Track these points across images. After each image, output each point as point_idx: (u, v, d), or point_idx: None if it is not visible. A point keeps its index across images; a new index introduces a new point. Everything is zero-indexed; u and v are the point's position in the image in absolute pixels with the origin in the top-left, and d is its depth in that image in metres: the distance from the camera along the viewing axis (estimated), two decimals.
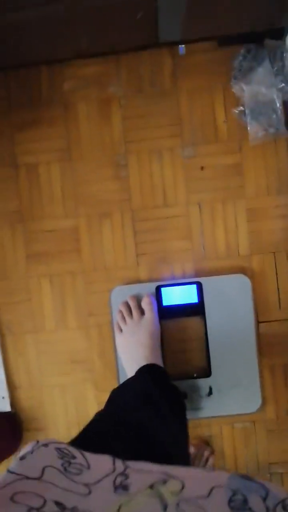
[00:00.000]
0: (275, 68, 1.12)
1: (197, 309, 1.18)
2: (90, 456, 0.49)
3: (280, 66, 1.12)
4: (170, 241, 1.21)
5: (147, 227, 1.21)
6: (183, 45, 1.15)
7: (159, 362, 1.11)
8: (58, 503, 0.38)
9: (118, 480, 0.44)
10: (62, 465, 0.45)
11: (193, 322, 1.19)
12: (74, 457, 0.47)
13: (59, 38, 1.03)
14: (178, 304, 1.19)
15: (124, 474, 0.45)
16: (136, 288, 1.20)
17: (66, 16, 0.92)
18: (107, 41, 1.10)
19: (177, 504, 0.38)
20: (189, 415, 1.01)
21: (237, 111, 1.18)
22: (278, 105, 1.14)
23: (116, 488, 0.43)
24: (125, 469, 0.46)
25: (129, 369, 1.13)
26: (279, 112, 1.15)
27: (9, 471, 0.42)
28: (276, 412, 1.22)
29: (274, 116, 1.15)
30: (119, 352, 1.18)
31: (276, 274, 1.21)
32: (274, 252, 1.20)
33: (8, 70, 1.21)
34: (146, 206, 1.21)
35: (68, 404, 1.24)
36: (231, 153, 1.20)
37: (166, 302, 1.19)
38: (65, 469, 0.44)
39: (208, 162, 1.20)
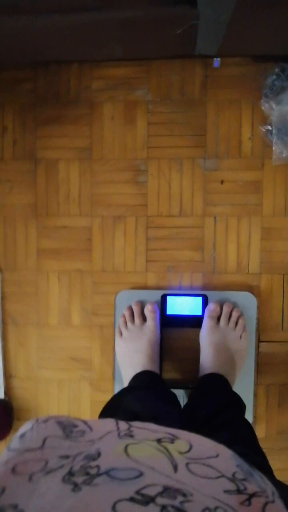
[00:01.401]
0: None
1: (199, 322, 1.18)
2: (92, 422, 0.48)
3: None
4: (181, 251, 1.21)
5: (160, 235, 1.21)
6: (218, 58, 1.13)
7: (156, 370, 1.12)
8: (61, 456, 0.38)
9: (122, 434, 0.44)
10: (63, 433, 0.44)
11: (194, 333, 1.19)
12: (75, 426, 0.46)
13: (94, 42, 1.02)
14: (182, 315, 1.20)
15: (128, 431, 0.45)
16: (142, 294, 1.21)
17: (103, 23, 0.90)
18: (142, 49, 1.08)
19: (187, 465, 0.38)
20: None
21: (264, 129, 1.16)
22: None
23: (120, 437, 0.43)
24: (129, 427, 0.46)
25: (125, 374, 1.14)
26: None
27: (10, 449, 0.41)
28: (266, 431, 1.23)
29: None
30: (118, 356, 1.19)
31: (283, 296, 1.20)
32: (283, 274, 1.20)
33: (38, 65, 1.20)
34: (161, 214, 1.21)
35: (62, 400, 1.26)
36: (253, 170, 1.19)
37: (170, 311, 1.19)
38: (66, 435, 0.43)
39: (228, 176, 1.19)
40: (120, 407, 0.95)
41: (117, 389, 1.20)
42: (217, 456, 0.41)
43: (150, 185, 1.20)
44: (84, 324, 1.24)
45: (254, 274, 1.21)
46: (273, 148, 1.16)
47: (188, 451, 0.40)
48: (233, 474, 0.38)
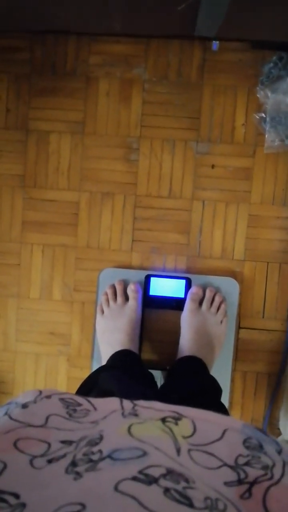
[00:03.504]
0: None
1: (181, 304, 1.18)
2: (97, 401, 0.48)
3: None
4: (168, 233, 1.21)
5: (147, 215, 1.21)
6: (217, 41, 1.13)
7: (135, 350, 1.12)
8: (64, 441, 0.38)
9: (127, 413, 0.44)
10: (67, 413, 0.44)
11: (175, 316, 1.19)
12: (79, 405, 0.46)
13: (94, 13, 1.01)
14: (164, 296, 1.19)
15: (133, 410, 0.45)
16: (125, 273, 1.20)
17: None
18: (141, 25, 1.08)
19: (189, 451, 0.37)
20: None
21: (257, 117, 1.17)
22: None
23: (125, 416, 0.43)
24: (133, 407, 0.46)
25: (104, 352, 1.14)
26: None
27: (11, 418, 0.41)
28: (241, 418, 1.23)
29: None
30: (97, 334, 1.18)
31: (266, 284, 1.21)
32: (267, 262, 1.21)
33: (35, 34, 1.18)
34: (150, 194, 1.21)
35: (39, 374, 1.25)
36: (244, 156, 1.19)
37: (153, 292, 1.19)
38: (70, 415, 0.43)
39: (219, 161, 1.20)
40: (95, 385, 0.94)
41: (95, 366, 1.19)
42: (222, 435, 0.40)
43: (141, 164, 1.20)
44: (65, 299, 1.23)
45: (238, 261, 1.21)
46: (266, 136, 1.17)
47: (192, 434, 0.40)
48: (236, 459, 0.37)
